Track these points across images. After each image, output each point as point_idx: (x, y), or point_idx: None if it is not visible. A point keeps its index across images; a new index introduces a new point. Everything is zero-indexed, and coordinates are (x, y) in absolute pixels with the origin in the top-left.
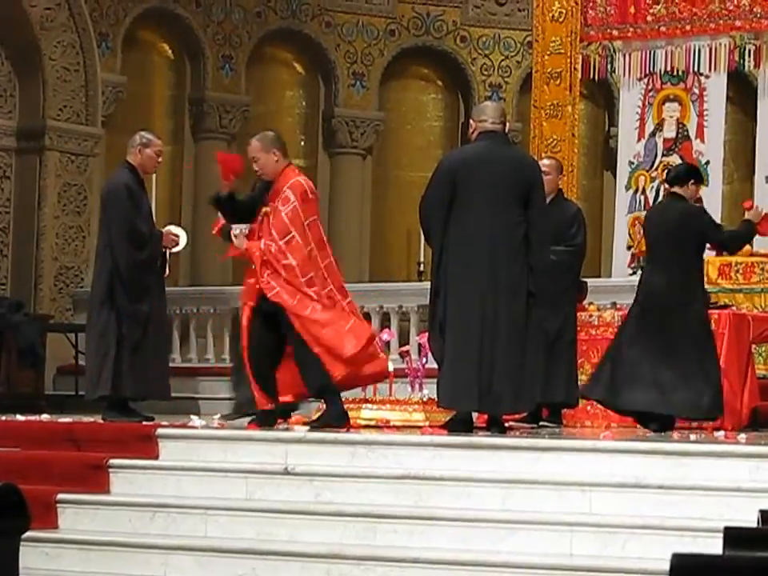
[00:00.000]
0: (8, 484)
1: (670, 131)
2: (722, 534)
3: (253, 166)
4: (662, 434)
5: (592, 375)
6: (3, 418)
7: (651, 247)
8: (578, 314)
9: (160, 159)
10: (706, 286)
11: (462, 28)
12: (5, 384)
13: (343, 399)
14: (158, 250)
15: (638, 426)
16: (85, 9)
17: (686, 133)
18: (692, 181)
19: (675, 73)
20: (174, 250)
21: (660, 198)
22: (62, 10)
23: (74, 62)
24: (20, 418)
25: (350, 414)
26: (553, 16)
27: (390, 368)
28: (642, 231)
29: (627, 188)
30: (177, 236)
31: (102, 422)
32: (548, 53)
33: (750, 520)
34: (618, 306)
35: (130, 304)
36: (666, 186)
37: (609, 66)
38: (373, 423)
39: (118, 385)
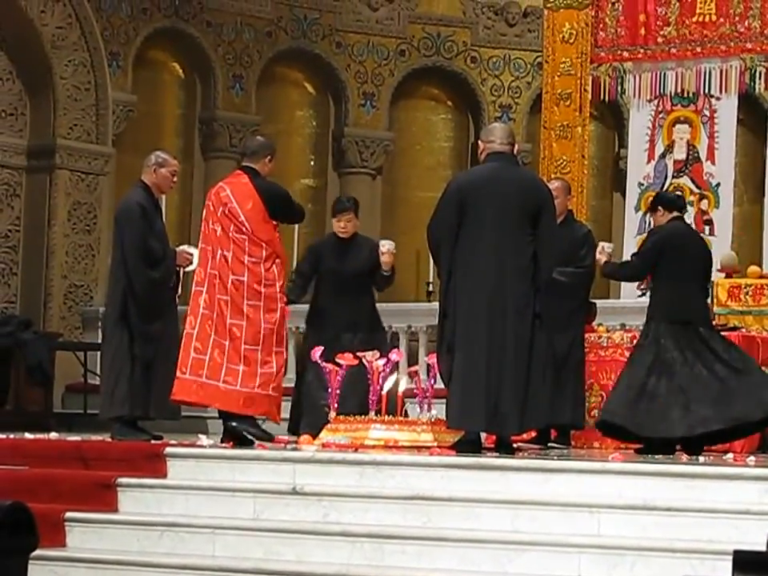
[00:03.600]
0: (16, 502)
1: (680, 153)
2: (730, 557)
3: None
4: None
5: None
6: (12, 436)
7: None
8: (587, 335)
9: (175, 179)
10: (716, 308)
11: (472, 49)
12: (13, 402)
13: (351, 419)
14: (172, 268)
15: None
16: (96, 28)
17: (696, 155)
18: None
19: (686, 95)
20: (188, 268)
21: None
22: (73, 29)
23: (85, 80)
24: (28, 436)
25: (359, 434)
26: (563, 37)
27: (401, 388)
28: None
29: (636, 209)
30: (191, 254)
31: (110, 440)
32: (558, 74)
33: (759, 543)
34: (627, 328)
35: (142, 324)
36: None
37: (619, 88)
38: (381, 444)
39: (131, 404)
